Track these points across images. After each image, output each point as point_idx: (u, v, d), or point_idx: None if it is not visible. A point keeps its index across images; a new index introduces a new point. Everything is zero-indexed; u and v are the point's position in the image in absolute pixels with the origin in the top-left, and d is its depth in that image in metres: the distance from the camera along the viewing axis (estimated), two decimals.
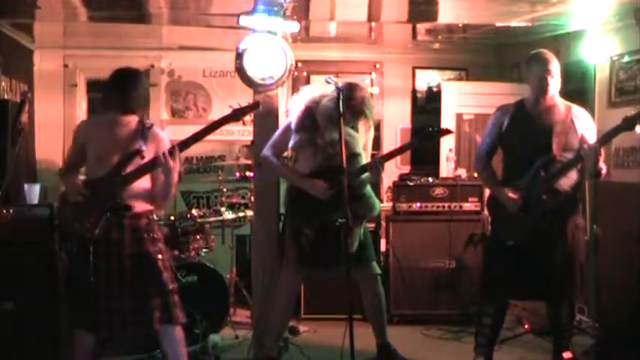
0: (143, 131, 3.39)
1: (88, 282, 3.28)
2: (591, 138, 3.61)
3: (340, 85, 3.67)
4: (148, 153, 3.36)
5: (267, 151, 4.07)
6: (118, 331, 3.38)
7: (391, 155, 4.08)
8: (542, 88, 3.62)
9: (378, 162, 3.90)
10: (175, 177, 3.39)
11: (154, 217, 3.58)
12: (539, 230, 3.58)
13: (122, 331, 3.39)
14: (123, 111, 3.40)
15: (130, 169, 3.33)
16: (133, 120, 3.44)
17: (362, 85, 4.11)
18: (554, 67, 3.62)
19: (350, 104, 3.81)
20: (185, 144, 3.39)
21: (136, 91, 3.42)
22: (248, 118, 3.51)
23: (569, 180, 3.60)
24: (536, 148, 3.59)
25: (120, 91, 3.40)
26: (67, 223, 3.45)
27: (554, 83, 3.63)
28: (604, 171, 3.58)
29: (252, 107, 3.49)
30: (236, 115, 3.45)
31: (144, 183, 3.42)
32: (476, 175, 4.76)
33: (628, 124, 3.38)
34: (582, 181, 3.77)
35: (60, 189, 3.55)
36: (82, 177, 3.57)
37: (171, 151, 3.32)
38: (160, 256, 3.41)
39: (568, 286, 3.65)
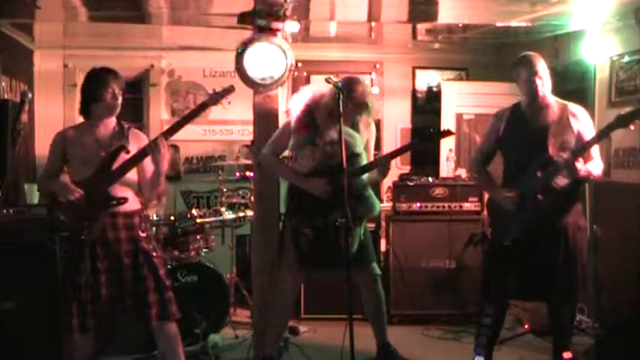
0: (123, 131, 3.45)
1: (87, 285, 3.29)
2: (589, 135, 3.61)
3: (340, 82, 3.68)
4: (132, 150, 3.41)
5: (266, 150, 4.07)
6: (120, 330, 3.39)
7: (391, 156, 4.07)
8: (532, 92, 3.61)
9: (384, 159, 3.90)
10: (165, 166, 3.41)
11: (153, 217, 3.60)
12: (538, 231, 3.58)
13: (124, 329, 3.40)
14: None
15: (116, 165, 3.35)
16: (111, 122, 3.48)
17: (362, 79, 4.10)
18: (541, 68, 3.61)
19: (351, 97, 3.81)
20: (169, 132, 3.44)
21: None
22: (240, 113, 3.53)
23: (566, 179, 3.60)
24: (533, 149, 3.58)
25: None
26: (62, 226, 3.44)
27: (544, 84, 3.62)
28: (594, 174, 3.57)
29: (227, 91, 3.52)
30: (214, 100, 3.49)
31: (133, 181, 3.44)
32: (471, 178, 4.75)
33: (622, 122, 3.38)
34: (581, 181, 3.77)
35: (46, 193, 3.53)
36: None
37: (155, 142, 3.36)
38: (154, 253, 3.46)
39: (569, 286, 3.64)
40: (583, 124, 3.65)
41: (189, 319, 4.12)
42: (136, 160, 3.38)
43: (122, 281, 3.35)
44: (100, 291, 3.32)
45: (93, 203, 3.33)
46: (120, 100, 3.43)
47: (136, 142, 3.47)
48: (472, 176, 4.41)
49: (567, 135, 3.60)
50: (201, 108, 3.51)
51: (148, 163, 3.44)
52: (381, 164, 3.91)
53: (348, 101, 3.75)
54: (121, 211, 3.38)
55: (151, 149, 3.36)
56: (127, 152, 3.37)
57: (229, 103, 3.55)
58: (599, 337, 4.38)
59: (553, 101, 3.68)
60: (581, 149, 3.50)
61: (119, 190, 3.38)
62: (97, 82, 3.41)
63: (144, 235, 3.46)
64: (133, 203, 3.44)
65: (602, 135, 3.53)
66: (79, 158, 3.42)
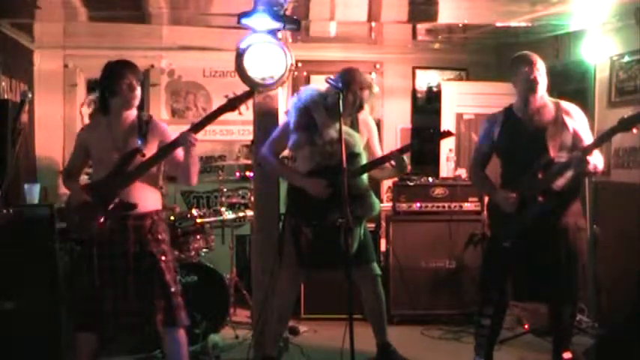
0: (141, 127, 3.39)
1: (93, 284, 3.29)
2: (583, 131, 3.62)
3: (339, 76, 3.73)
4: (152, 147, 3.38)
5: (265, 150, 4.08)
6: (124, 332, 3.38)
7: (388, 158, 4.05)
8: (531, 88, 3.60)
9: (398, 153, 3.93)
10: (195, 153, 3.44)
11: (162, 216, 3.57)
12: (538, 231, 3.57)
13: (128, 332, 3.39)
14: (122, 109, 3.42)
15: (130, 168, 3.33)
16: (130, 116, 3.43)
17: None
18: (541, 66, 3.62)
19: (356, 83, 3.85)
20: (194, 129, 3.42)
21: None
22: (245, 109, 3.51)
23: (565, 180, 3.59)
24: (533, 152, 3.57)
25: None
26: (74, 227, 3.45)
27: (543, 82, 3.63)
28: (599, 169, 3.58)
29: (248, 95, 3.48)
30: (232, 104, 3.43)
31: (149, 183, 3.42)
32: (471, 183, 4.73)
33: (624, 126, 3.37)
34: (581, 180, 3.76)
35: (63, 192, 3.56)
36: (85, 177, 3.59)
37: (185, 136, 3.35)
38: (163, 258, 3.39)
39: (570, 287, 3.64)
40: (578, 122, 3.65)
41: (189, 319, 4.12)
42: (169, 149, 3.36)
43: (126, 284, 3.33)
44: (105, 292, 3.31)
45: (103, 206, 3.31)
46: (138, 91, 3.39)
47: (156, 136, 3.42)
48: (471, 182, 4.43)
49: (564, 135, 3.60)
50: (219, 112, 3.44)
51: (178, 151, 3.43)
52: (394, 158, 3.91)
53: (353, 89, 3.79)
54: (131, 214, 3.35)
55: (183, 141, 3.34)
56: (143, 155, 3.33)
57: (247, 109, 3.52)
58: (599, 337, 4.38)
59: (548, 101, 3.69)
60: (589, 149, 3.49)
61: (133, 193, 3.35)
62: (113, 74, 3.37)
63: (152, 237, 3.40)
64: (146, 204, 3.40)
65: (606, 137, 3.52)
66: (96, 158, 3.43)
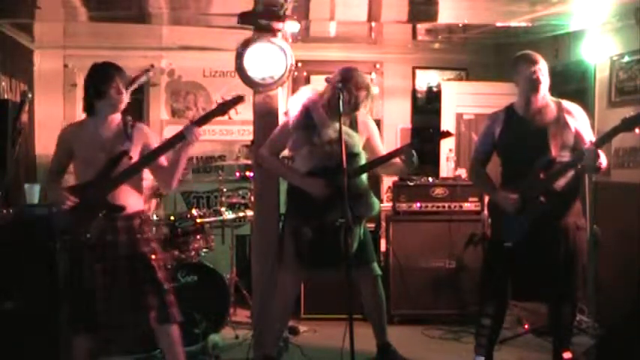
0: (126, 130, 3.38)
1: (87, 286, 3.29)
2: (585, 131, 3.63)
3: (337, 74, 3.74)
4: (137, 150, 3.38)
5: (264, 150, 4.08)
6: (117, 331, 3.38)
7: (390, 156, 4.05)
8: (533, 88, 3.60)
9: (408, 148, 3.88)
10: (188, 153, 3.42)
11: (153, 217, 3.57)
12: (538, 231, 3.57)
13: (121, 331, 3.39)
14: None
15: (118, 170, 3.32)
16: (115, 119, 3.42)
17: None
18: (543, 66, 3.63)
19: (353, 83, 3.82)
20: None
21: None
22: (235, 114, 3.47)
23: (566, 179, 3.59)
24: (534, 151, 3.57)
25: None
26: (62, 229, 3.44)
27: (545, 82, 3.63)
28: (604, 166, 3.58)
29: (236, 100, 3.44)
30: (221, 109, 3.41)
31: (133, 185, 3.42)
32: (471, 183, 4.73)
33: (627, 126, 3.37)
34: (581, 180, 3.76)
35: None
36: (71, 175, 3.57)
37: (191, 129, 3.34)
38: (153, 256, 3.41)
39: (569, 286, 3.64)
40: (579, 121, 3.65)
41: (189, 319, 4.12)
42: (171, 144, 3.35)
43: (119, 284, 3.33)
44: (98, 293, 3.31)
45: (90, 209, 3.30)
46: (124, 95, 3.37)
47: (141, 139, 3.42)
48: (471, 182, 4.44)
49: (566, 134, 3.60)
50: (207, 117, 3.42)
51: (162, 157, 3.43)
52: (405, 152, 3.88)
53: (350, 87, 3.77)
54: (120, 215, 3.35)
55: (188, 133, 3.31)
56: (130, 158, 3.33)
57: (237, 113, 3.48)
58: (599, 337, 4.39)
59: (549, 100, 3.69)
60: (598, 144, 3.47)
61: (120, 195, 3.35)
62: (100, 77, 3.34)
63: (142, 237, 3.40)
64: (133, 205, 3.41)
65: (607, 138, 3.52)
66: (82, 158, 3.40)
